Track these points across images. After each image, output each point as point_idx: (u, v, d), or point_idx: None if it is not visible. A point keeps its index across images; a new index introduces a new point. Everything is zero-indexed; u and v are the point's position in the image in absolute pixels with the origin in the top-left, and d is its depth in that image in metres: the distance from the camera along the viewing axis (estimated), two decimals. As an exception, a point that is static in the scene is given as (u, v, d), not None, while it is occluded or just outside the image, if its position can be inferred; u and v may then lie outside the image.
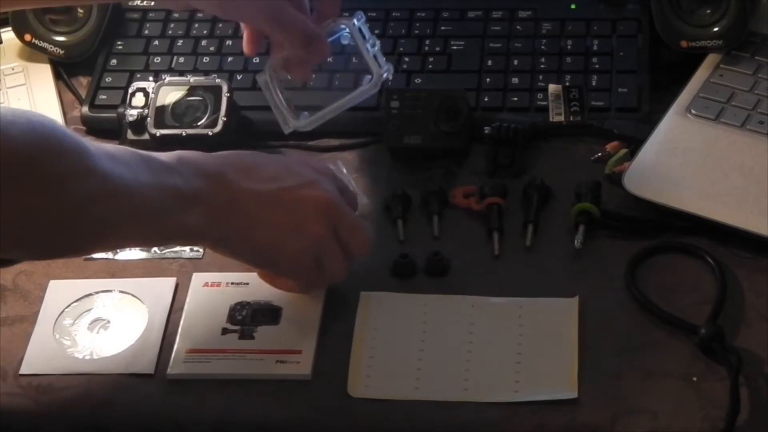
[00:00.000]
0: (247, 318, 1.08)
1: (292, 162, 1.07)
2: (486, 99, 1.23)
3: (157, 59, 1.31)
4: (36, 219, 0.91)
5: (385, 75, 1.12)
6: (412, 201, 1.16)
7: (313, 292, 1.08)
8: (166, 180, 0.98)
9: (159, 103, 1.21)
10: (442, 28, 1.31)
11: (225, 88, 1.21)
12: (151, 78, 1.28)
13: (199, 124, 1.20)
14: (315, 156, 1.22)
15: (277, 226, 1.02)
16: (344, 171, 1.13)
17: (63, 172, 0.91)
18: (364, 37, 1.12)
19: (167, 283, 1.11)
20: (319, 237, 1.03)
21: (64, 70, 1.34)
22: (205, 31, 1.33)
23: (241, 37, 1.15)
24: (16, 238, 0.92)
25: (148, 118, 1.21)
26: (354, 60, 1.19)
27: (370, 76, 1.13)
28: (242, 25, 1.16)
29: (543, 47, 1.27)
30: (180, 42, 1.32)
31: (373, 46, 1.12)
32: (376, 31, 1.29)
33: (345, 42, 1.13)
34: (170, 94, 1.22)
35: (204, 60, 1.30)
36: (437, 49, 1.29)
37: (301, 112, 1.13)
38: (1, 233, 0.91)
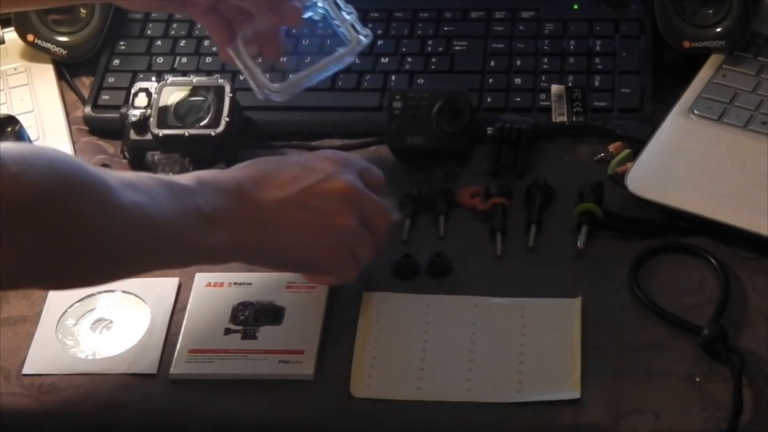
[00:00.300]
0: (250, 318, 1.08)
1: (307, 159, 1.05)
2: (489, 99, 1.23)
3: (160, 59, 1.31)
4: (59, 259, 0.91)
5: (363, 40, 1.13)
6: (423, 201, 1.15)
7: (351, 280, 1.07)
8: (188, 203, 0.97)
9: (162, 104, 1.21)
10: (445, 28, 1.31)
11: (228, 89, 1.21)
12: (153, 78, 1.28)
13: (201, 124, 1.20)
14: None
15: (304, 229, 1.02)
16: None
17: (85, 212, 0.91)
18: (339, 7, 1.13)
19: (170, 283, 1.11)
20: (348, 229, 1.02)
21: (66, 71, 1.34)
22: (207, 32, 1.33)
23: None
24: (40, 277, 0.93)
25: (151, 119, 1.21)
26: (331, 35, 1.19)
27: (347, 44, 1.13)
28: (207, 28, 1.16)
29: (546, 48, 1.27)
30: (183, 42, 1.32)
31: (349, 14, 1.13)
32: (379, 31, 1.29)
33: (317, 18, 1.14)
34: (173, 94, 1.22)
35: (207, 60, 1.31)
36: (440, 49, 1.29)
37: (276, 81, 1.14)
38: (23, 273, 0.91)
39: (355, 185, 1.03)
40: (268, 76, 1.14)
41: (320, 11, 1.14)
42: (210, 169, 1.03)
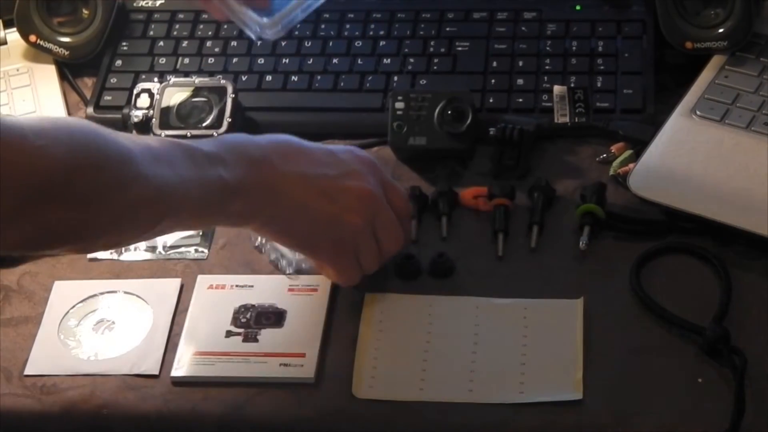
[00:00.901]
0: (251, 320, 1.08)
1: (338, 149, 1.06)
2: (491, 100, 1.23)
3: (162, 60, 1.31)
4: (79, 229, 0.92)
5: None
6: (428, 201, 1.15)
7: (353, 285, 1.07)
8: (210, 172, 0.98)
9: (164, 104, 1.21)
10: (447, 29, 1.30)
11: (230, 89, 1.21)
12: (156, 79, 1.27)
13: (204, 125, 1.20)
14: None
15: (318, 214, 1.02)
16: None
17: (106, 187, 0.91)
18: None
19: (172, 284, 1.11)
20: (358, 228, 1.03)
21: (69, 71, 1.34)
22: (210, 32, 1.33)
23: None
24: (58, 245, 0.94)
25: (153, 119, 1.21)
26: None
27: None
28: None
29: (548, 48, 1.27)
30: (185, 43, 1.32)
31: None
32: (381, 32, 1.30)
33: None
34: (175, 95, 1.22)
35: (209, 61, 1.31)
36: (442, 50, 1.29)
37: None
38: (43, 243, 0.93)
39: (376, 192, 1.04)
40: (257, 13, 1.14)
41: None
42: (236, 134, 1.03)
